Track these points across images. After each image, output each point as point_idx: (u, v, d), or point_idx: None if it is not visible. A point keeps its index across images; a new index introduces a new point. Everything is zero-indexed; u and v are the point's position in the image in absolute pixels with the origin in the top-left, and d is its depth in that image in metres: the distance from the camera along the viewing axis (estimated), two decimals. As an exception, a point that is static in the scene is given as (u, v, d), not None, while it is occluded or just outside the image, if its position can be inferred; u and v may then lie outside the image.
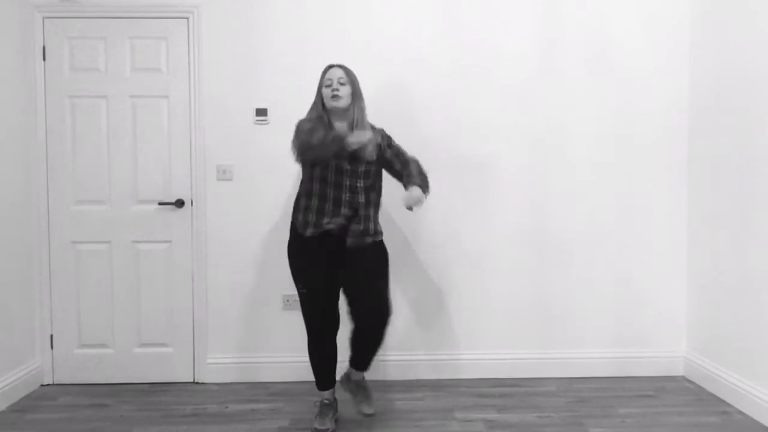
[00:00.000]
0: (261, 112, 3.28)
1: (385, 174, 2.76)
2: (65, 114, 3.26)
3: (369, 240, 2.65)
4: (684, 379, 3.35)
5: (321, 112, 2.66)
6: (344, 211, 2.59)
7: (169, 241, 3.31)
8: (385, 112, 3.03)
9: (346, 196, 2.59)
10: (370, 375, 3.16)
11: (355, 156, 2.59)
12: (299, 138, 2.56)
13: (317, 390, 2.80)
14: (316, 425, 2.68)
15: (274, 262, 3.30)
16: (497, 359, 3.36)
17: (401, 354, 3.34)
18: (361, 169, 2.61)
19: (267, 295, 3.33)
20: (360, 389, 2.79)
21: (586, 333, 3.38)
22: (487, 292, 3.36)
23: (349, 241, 2.60)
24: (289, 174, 3.27)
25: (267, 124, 3.29)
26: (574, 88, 3.33)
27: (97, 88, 3.27)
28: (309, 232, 2.60)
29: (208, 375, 3.34)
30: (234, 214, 3.31)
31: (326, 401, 2.78)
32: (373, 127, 2.71)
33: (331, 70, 2.67)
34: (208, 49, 3.27)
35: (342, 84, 2.63)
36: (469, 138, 3.32)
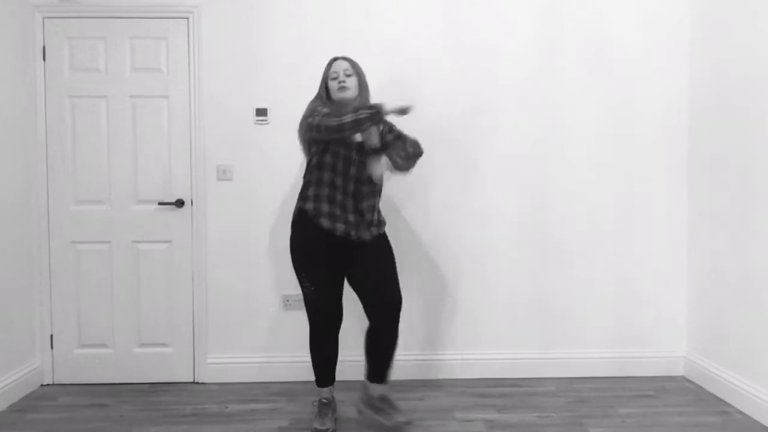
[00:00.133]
0: (261, 112, 3.28)
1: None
2: (65, 114, 3.27)
3: (375, 232, 2.66)
4: (684, 379, 3.35)
5: (326, 104, 2.65)
6: (360, 206, 2.60)
7: (169, 241, 3.31)
8: (385, 112, 3.03)
9: (351, 187, 2.58)
10: (370, 375, 3.17)
11: (362, 146, 2.61)
12: (321, 119, 2.47)
13: (316, 387, 2.79)
14: (317, 425, 2.67)
15: (274, 262, 3.30)
16: (497, 359, 3.36)
17: (401, 354, 3.33)
18: (368, 159, 2.62)
19: (267, 295, 3.33)
20: (385, 402, 2.69)
21: (586, 333, 3.39)
22: (487, 291, 3.36)
23: (359, 235, 2.60)
24: (289, 174, 3.27)
25: (267, 124, 3.29)
26: (574, 88, 3.33)
27: (97, 88, 3.27)
28: (326, 224, 2.57)
29: (208, 375, 3.34)
30: (234, 214, 3.31)
31: (324, 400, 2.77)
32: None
33: (337, 63, 2.68)
34: (208, 49, 3.27)
35: (348, 75, 2.64)
36: (469, 137, 3.32)
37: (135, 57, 3.27)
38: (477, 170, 3.33)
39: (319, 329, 2.72)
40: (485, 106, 3.32)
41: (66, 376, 3.32)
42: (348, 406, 2.90)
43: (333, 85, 2.65)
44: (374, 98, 2.75)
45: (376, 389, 2.70)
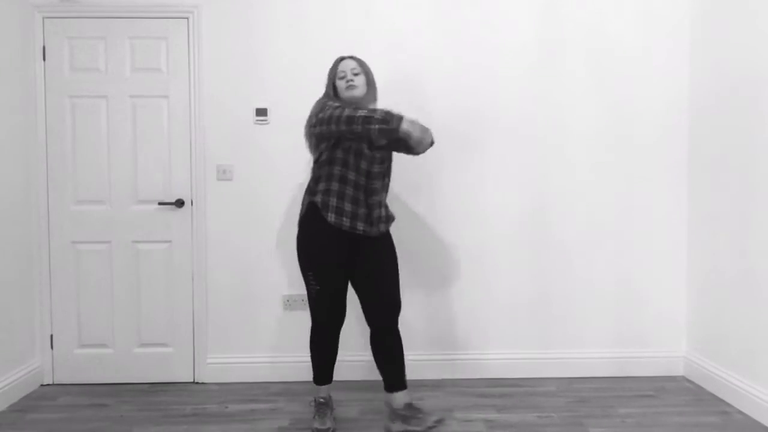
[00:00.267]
0: (261, 112, 3.28)
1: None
2: (65, 114, 3.27)
3: (383, 228, 2.67)
4: (684, 379, 3.35)
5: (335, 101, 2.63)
6: (369, 200, 2.60)
7: (169, 241, 3.31)
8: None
9: (362, 181, 2.57)
10: (369, 375, 3.17)
11: (372, 141, 2.60)
12: (333, 111, 2.43)
13: (315, 385, 2.78)
14: (317, 425, 2.67)
15: (275, 262, 3.30)
16: (497, 359, 3.36)
17: (401, 354, 3.34)
18: (378, 154, 2.61)
19: (267, 295, 3.33)
20: (412, 409, 2.64)
21: (586, 333, 3.38)
22: (487, 291, 3.36)
23: (372, 230, 2.60)
24: (289, 174, 3.27)
25: (267, 124, 3.29)
26: (574, 88, 3.33)
27: (97, 88, 3.27)
28: (335, 219, 2.54)
29: (208, 375, 3.34)
30: (234, 214, 3.31)
31: (321, 400, 2.76)
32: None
33: (344, 62, 2.68)
34: (208, 49, 3.27)
35: (356, 74, 2.64)
36: (468, 137, 3.32)
37: (135, 57, 3.27)
38: (477, 170, 3.33)
39: (321, 328, 2.71)
40: (485, 106, 3.32)
41: (66, 376, 3.32)
42: (346, 406, 2.90)
43: (341, 84, 2.64)
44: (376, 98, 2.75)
45: (398, 399, 2.66)
